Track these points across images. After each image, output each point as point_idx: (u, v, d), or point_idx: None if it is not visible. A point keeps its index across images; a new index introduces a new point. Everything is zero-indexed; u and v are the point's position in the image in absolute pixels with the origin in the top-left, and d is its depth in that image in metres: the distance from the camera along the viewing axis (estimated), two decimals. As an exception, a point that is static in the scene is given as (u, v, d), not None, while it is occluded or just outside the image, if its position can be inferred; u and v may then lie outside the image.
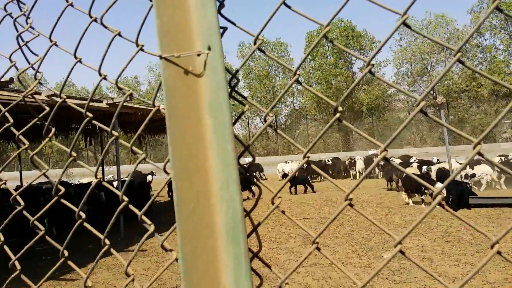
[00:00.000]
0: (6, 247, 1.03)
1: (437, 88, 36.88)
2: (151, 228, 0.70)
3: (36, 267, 7.44)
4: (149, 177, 19.00)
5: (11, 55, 0.96)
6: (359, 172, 22.27)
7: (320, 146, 39.49)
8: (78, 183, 17.89)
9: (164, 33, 0.65)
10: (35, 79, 0.92)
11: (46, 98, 8.53)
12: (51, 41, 0.88)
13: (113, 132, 0.75)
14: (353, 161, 22.74)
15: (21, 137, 0.91)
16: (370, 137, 0.75)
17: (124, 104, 11.00)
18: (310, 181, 18.40)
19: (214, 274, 0.61)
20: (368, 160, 22.11)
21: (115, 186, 13.94)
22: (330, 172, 23.54)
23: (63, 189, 0.87)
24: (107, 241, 0.91)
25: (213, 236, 0.62)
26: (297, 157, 27.82)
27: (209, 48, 0.63)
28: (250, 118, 44.84)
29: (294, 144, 0.68)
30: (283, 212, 0.69)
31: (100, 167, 19.55)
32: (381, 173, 20.31)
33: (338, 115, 0.60)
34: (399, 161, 19.86)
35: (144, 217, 0.71)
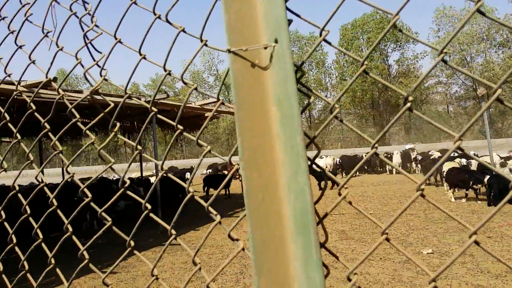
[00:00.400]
0: (42, 245, 1.08)
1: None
2: (217, 218, 0.72)
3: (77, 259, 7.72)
4: (187, 174, 19.31)
5: (77, 53, 1.01)
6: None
7: (355, 140, 38.96)
8: (140, 177, 18.12)
9: (232, 27, 0.67)
10: (101, 75, 0.96)
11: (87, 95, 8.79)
12: (115, 38, 0.92)
13: (178, 126, 0.77)
14: (389, 155, 22.31)
15: (88, 132, 0.96)
16: (363, 134, 0.74)
17: (162, 101, 11.20)
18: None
19: (283, 264, 0.62)
20: (404, 154, 21.62)
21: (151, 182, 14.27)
22: (366, 167, 23.19)
23: (128, 182, 0.90)
24: (173, 231, 0.94)
25: (281, 227, 0.63)
26: (330, 152, 27.50)
27: (275, 41, 0.64)
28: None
29: (362, 135, 0.68)
30: (350, 202, 0.69)
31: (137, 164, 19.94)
32: (418, 167, 19.83)
33: (408, 104, 0.59)
34: (438, 154, 19.30)
35: (210, 208, 0.73)
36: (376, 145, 0.64)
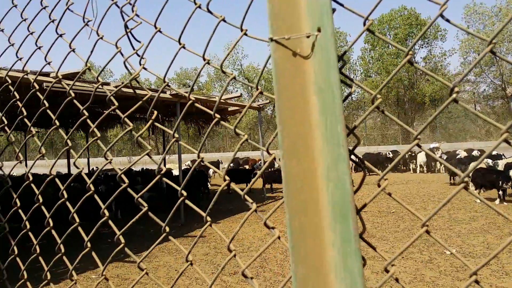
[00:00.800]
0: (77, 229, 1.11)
1: (507, 78, 34.53)
2: (253, 206, 0.73)
3: (100, 249, 7.92)
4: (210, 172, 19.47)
5: (117, 42, 1.03)
6: (419, 166, 21.48)
7: (378, 138, 38.47)
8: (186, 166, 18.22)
9: (275, 15, 0.67)
10: (140, 64, 0.98)
11: (113, 88, 8.96)
12: (155, 27, 0.93)
13: (216, 115, 0.78)
14: (413, 154, 21.95)
15: (126, 119, 0.98)
16: (406, 126, 0.73)
17: (185, 94, 11.30)
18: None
19: (320, 252, 0.63)
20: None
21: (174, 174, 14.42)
22: (388, 165, 22.86)
23: (164, 169, 0.92)
24: (167, 229, 0.96)
25: (319, 215, 0.63)
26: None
27: (318, 30, 0.64)
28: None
29: (405, 127, 0.67)
30: (389, 194, 0.69)
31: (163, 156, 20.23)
32: (443, 166, 19.44)
33: (454, 95, 0.58)
34: (464, 154, 18.89)
35: (246, 196, 0.73)
36: (419, 136, 0.63)
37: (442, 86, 36.94)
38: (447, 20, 0.68)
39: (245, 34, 0.77)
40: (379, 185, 0.67)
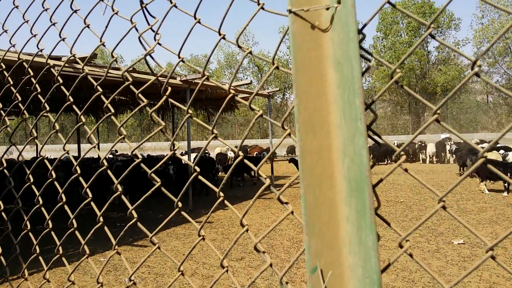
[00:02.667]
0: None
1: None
2: (267, 181, 0.73)
3: (112, 233, 8.03)
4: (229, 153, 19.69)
5: (132, 17, 1.02)
6: (429, 156, 21.34)
7: (388, 128, 38.22)
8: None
9: (294, -13, 0.66)
10: (154, 40, 0.97)
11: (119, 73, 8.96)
12: (171, 2, 0.92)
13: (231, 90, 0.78)
14: (423, 144, 21.81)
15: (140, 95, 0.98)
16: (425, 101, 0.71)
17: (196, 81, 11.28)
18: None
19: (334, 225, 0.62)
20: (439, 144, 21.08)
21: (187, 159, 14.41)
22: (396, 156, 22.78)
23: (178, 146, 0.92)
24: (180, 204, 0.96)
25: (334, 189, 0.63)
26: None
27: (338, 2, 0.63)
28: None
29: (424, 102, 0.66)
30: (406, 170, 0.69)
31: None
32: (452, 157, 19.29)
33: (476, 69, 0.57)
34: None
35: (260, 172, 0.73)
36: (438, 111, 0.62)
37: (454, 76, 36.46)
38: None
39: (262, 8, 0.76)
40: (395, 161, 0.66)
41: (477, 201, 10.87)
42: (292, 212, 0.72)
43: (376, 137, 0.68)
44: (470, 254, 6.42)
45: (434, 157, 21.30)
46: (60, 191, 1.29)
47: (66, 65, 7.30)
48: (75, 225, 1.20)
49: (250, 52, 0.78)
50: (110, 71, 8.82)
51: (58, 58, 7.21)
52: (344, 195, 0.62)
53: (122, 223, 9.14)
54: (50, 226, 1.34)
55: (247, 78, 43.00)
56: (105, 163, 1.10)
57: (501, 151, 14.64)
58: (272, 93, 17.76)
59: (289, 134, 0.70)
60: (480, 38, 37.73)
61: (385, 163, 22.68)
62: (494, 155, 14.15)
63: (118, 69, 9.57)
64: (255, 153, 22.38)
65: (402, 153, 0.63)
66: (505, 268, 0.64)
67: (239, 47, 0.79)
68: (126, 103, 15.94)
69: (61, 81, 1.27)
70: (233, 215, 9.90)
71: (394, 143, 23.05)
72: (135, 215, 1.03)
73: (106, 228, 1.03)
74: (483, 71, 38.53)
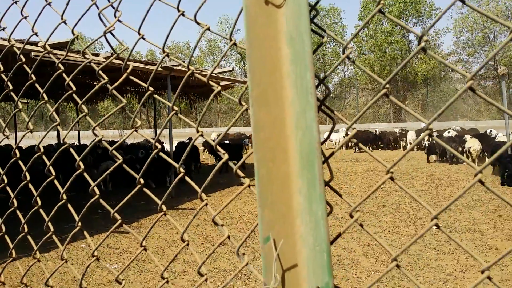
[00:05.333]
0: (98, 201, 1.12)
1: (498, 58, 34.51)
2: (246, 181, 0.74)
3: (93, 220, 7.98)
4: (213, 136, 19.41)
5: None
6: (409, 143, 21.66)
7: (370, 116, 38.56)
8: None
9: (246, -39, 0.66)
10: (115, 17, 0.96)
11: (104, 59, 8.82)
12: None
13: (211, 83, 0.78)
14: (404, 132, 22.10)
15: (114, 92, 0.96)
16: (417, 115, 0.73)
17: (177, 68, 11.17)
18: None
19: (287, 197, 0.64)
20: (420, 132, 21.39)
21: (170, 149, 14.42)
22: (380, 143, 23.09)
23: (160, 146, 0.92)
24: (164, 207, 0.97)
25: (287, 162, 0.64)
26: (343, 126, 27.29)
27: (291, -23, 0.64)
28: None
29: (417, 116, 0.68)
30: (356, 144, 0.70)
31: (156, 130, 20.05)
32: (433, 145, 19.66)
33: (422, 44, 0.58)
34: (454, 133, 19.03)
35: (239, 171, 0.74)
36: (430, 126, 0.64)
37: (434, 65, 36.85)
38: (462, 1, 0.66)
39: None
40: (347, 134, 0.68)
41: (455, 187, 11.12)
42: (249, 186, 0.74)
43: (328, 112, 0.69)
44: (448, 238, 6.57)
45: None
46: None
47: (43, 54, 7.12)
48: (80, 225, 1.20)
49: (208, 29, 0.78)
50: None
51: (34, 43, 7.04)
52: (297, 168, 0.64)
53: (104, 210, 9.08)
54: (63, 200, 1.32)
55: (229, 66, 42.73)
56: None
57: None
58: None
59: (246, 110, 0.71)
60: (460, 28, 38.16)
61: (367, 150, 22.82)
62: (473, 142, 14.47)
63: (97, 55, 9.41)
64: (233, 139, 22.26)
65: (353, 127, 0.65)
66: (447, 235, 0.66)
67: (197, 23, 0.79)
68: (106, 90, 15.72)
69: (34, 78, 1.25)
70: (216, 202, 9.93)
71: (376, 131, 23.31)
72: (118, 217, 1.03)
73: (125, 225, 1.03)
74: (463, 60, 39.09)
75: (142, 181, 1.02)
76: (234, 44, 0.75)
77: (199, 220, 8.21)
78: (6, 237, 1.54)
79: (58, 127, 1.12)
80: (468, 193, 10.24)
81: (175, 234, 7.25)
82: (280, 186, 0.64)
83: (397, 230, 7.13)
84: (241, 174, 0.78)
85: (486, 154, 15.00)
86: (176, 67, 10.74)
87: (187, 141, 18.58)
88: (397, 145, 23.06)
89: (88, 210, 1.17)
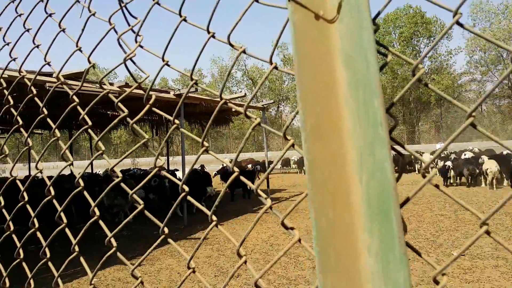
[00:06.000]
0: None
1: (514, 78, 34.21)
2: (268, 202, 0.61)
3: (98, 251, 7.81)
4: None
5: (110, 17, 0.91)
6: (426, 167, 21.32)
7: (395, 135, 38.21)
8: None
9: (294, -31, 0.55)
10: (136, 42, 0.86)
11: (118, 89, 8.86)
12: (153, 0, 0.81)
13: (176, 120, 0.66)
14: (420, 154, 21.77)
15: (120, 104, 0.86)
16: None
17: (189, 95, 11.18)
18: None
19: (353, 258, 0.50)
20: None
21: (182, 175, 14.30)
22: (394, 166, 22.76)
23: (162, 161, 0.80)
24: (166, 230, 0.85)
25: (350, 210, 0.51)
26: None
27: (347, -16, 0.52)
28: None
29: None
30: (437, 186, 0.57)
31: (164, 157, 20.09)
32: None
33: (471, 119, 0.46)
34: (471, 154, 18.68)
35: (259, 191, 0.62)
36: (474, 114, 0.51)
37: (447, 85, 36.60)
38: (461, 26, 0.56)
39: (256, 1, 0.65)
40: (424, 176, 0.55)
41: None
42: (299, 240, 0.60)
43: (398, 147, 0.56)
44: (471, 265, 6.28)
45: (429, 167, 21.25)
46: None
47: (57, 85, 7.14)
48: (48, 255, 1.07)
49: (244, 51, 0.67)
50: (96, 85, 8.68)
51: (48, 74, 7.09)
52: (363, 219, 0.50)
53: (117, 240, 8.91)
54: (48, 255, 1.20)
55: (241, 91, 42.98)
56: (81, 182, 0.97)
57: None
58: (267, 105, 17.72)
59: (293, 145, 0.59)
60: (472, 47, 38.08)
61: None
62: (491, 164, 14.12)
63: (111, 84, 9.46)
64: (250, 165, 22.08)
65: (432, 165, 0.52)
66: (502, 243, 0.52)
67: (231, 45, 0.68)
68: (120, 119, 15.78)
69: (46, 112, 1.15)
70: (229, 230, 9.72)
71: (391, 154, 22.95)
72: (114, 243, 0.91)
73: (119, 254, 0.90)
74: (476, 79, 38.86)
75: (142, 202, 0.89)
76: (275, 67, 0.63)
77: (212, 250, 8.01)
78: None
79: (71, 167, 1.01)
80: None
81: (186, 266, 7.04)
82: (344, 242, 0.50)
83: (417, 257, 6.85)
84: (263, 194, 0.66)
85: (504, 176, 14.59)
86: (190, 94, 10.75)
87: (200, 168, 18.48)
88: (411, 167, 22.68)
89: (94, 241, 1.05)
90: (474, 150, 20.92)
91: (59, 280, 1.01)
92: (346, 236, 0.51)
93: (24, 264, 1.17)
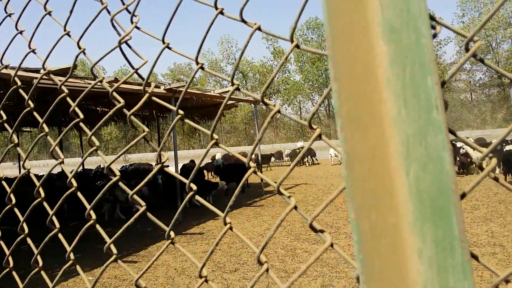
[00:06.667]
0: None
1: (503, 66, 34.44)
2: (292, 201, 0.53)
3: (91, 248, 7.70)
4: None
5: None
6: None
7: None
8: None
9: None
10: (132, 22, 0.77)
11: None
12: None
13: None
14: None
15: (115, 93, 0.77)
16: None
17: (180, 89, 11.04)
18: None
19: (400, 264, 0.43)
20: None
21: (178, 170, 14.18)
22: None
23: (166, 156, 0.72)
24: (172, 234, 0.77)
25: (395, 210, 0.43)
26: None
27: None
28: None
29: (502, 72, 0.47)
30: (496, 179, 0.50)
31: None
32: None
33: None
34: (460, 144, 18.72)
35: (282, 189, 0.54)
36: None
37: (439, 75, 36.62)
38: (481, 60, 0.48)
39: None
40: (481, 168, 0.47)
41: (468, 199, 10.80)
42: (332, 245, 0.53)
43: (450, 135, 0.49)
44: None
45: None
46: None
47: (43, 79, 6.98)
48: (41, 264, 0.99)
49: (259, 28, 0.58)
50: (97, 83, 8.52)
51: (35, 71, 6.92)
52: (411, 219, 0.43)
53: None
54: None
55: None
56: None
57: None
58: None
59: (320, 135, 0.51)
60: (461, 37, 38.13)
61: (308, 164, 22.93)
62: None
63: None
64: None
65: (491, 155, 0.44)
66: None
67: (244, 21, 0.60)
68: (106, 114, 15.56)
69: (32, 105, 1.06)
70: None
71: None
72: (115, 251, 0.82)
73: (120, 261, 0.82)
74: (466, 69, 39.09)
75: (144, 206, 0.81)
76: (297, 46, 0.55)
77: (208, 245, 7.94)
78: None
79: (61, 165, 0.92)
80: (483, 204, 9.92)
81: (184, 261, 6.97)
82: (390, 247, 0.43)
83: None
84: (285, 193, 0.58)
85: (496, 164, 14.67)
86: (180, 89, 10.62)
87: (189, 163, 18.33)
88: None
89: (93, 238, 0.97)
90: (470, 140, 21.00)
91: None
92: (392, 241, 0.43)
93: (14, 273, 1.08)
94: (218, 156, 21.47)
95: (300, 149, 25.15)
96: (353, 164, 0.45)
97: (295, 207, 0.53)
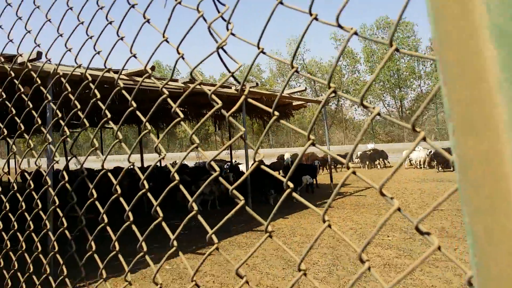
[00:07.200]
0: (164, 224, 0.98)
1: None
2: (396, 203, 0.54)
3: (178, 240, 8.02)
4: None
5: (198, 5, 0.87)
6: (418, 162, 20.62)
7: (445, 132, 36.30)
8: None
9: None
10: (227, 30, 0.82)
11: (183, 85, 9.08)
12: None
13: (275, 112, 0.60)
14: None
15: (213, 96, 0.82)
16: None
17: (250, 90, 11.22)
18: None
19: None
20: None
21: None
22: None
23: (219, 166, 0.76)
24: (270, 228, 0.79)
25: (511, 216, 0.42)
26: (423, 145, 25.80)
27: None
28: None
29: None
30: None
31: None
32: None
33: None
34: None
35: (385, 191, 0.54)
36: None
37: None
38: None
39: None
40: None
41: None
42: (439, 248, 0.52)
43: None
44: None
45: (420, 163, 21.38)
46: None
47: (126, 78, 7.47)
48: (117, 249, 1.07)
49: (356, 33, 0.59)
50: (171, 83, 8.94)
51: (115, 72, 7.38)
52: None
53: (186, 230, 9.15)
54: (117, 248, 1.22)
55: (300, 85, 42.47)
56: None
57: None
58: (328, 99, 17.39)
59: (424, 138, 0.51)
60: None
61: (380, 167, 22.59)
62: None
63: (176, 80, 9.71)
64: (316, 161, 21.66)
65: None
66: None
67: (340, 26, 0.61)
68: (184, 113, 16.23)
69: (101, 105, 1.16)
70: (294, 223, 9.65)
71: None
72: (145, 248, 0.87)
73: (220, 247, 0.88)
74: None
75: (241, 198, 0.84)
76: (397, 50, 0.55)
77: (285, 241, 8.00)
78: (96, 256, 1.45)
79: (161, 147, 1.00)
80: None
81: (255, 257, 7.08)
82: (508, 256, 0.42)
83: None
84: (388, 194, 0.58)
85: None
86: (251, 89, 10.79)
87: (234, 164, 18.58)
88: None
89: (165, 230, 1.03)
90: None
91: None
92: (508, 247, 0.42)
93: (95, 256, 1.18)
94: (287, 156, 21.53)
95: (371, 151, 24.45)
96: (465, 169, 0.45)
97: (399, 209, 0.53)
